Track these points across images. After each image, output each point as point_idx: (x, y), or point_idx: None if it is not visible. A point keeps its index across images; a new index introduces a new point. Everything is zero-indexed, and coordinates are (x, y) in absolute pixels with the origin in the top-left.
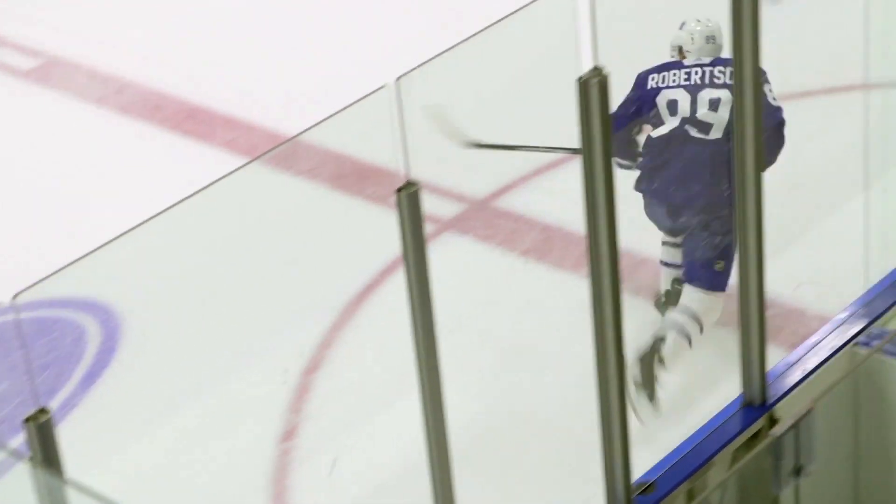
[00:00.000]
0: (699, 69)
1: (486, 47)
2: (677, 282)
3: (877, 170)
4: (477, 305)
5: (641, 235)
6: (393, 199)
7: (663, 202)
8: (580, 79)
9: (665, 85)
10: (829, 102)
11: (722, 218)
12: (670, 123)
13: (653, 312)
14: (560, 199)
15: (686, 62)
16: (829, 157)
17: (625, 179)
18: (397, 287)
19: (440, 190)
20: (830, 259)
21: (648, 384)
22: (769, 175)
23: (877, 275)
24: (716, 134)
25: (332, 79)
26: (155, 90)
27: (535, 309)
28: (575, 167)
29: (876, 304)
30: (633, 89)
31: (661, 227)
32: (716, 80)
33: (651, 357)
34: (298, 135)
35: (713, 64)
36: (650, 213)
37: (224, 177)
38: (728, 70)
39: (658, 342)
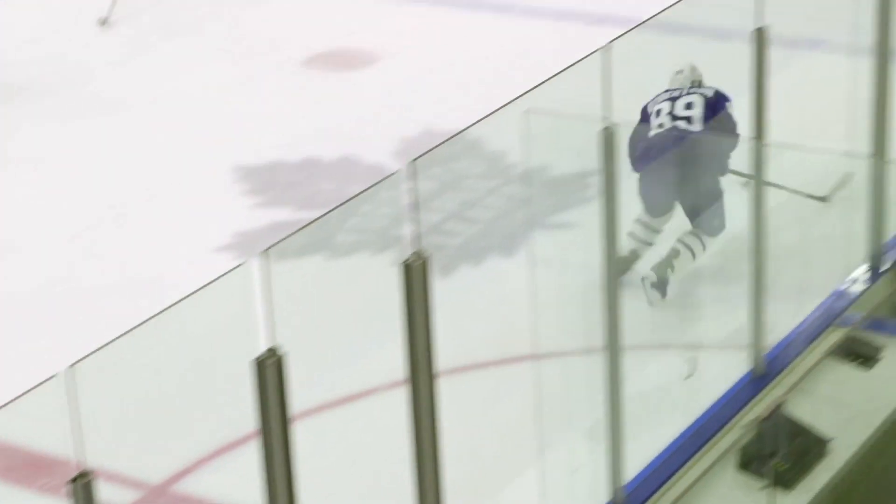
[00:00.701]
0: (679, 89)
1: (162, 331)
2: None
3: (549, 439)
4: None
5: None
6: (67, 489)
7: (659, 178)
8: (256, 360)
9: (655, 101)
10: (502, 373)
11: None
12: (656, 122)
13: None
14: (241, 481)
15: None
16: (502, 427)
17: None
18: None
19: (117, 477)
20: None
21: (662, 285)
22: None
23: None
24: (696, 125)
25: None
26: None
27: None
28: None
29: None
30: (639, 121)
31: (648, 204)
32: (691, 92)
33: (666, 265)
34: None
35: (691, 85)
36: (644, 190)
37: None
38: (707, 89)
39: (673, 254)
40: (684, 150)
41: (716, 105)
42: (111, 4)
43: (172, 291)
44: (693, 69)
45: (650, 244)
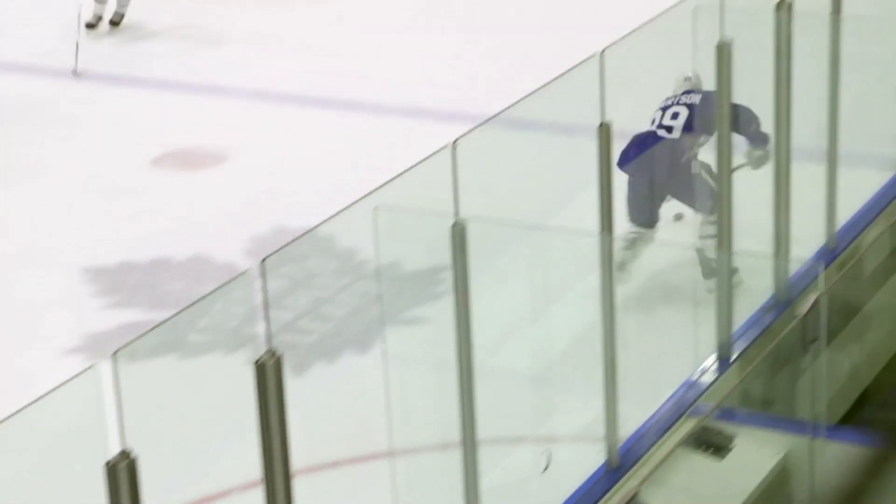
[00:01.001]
0: (674, 97)
1: (10, 436)
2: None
3: None
4: None
5: None
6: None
7: (645, 174)
8: (108, 463)
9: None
10: (358, 471)
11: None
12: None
13: None
14: None
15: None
16: None
17: None
18: None
19: None
20: None
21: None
22: None
23: None
24: (675, 134)
25: None
26: None
27: None
28: None
29: None
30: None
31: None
32: (681, 101)
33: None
34: None
35: (686, 92)
36: (631, 184)
37: None
38: (696, 95)
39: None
40: (661, 158)
41: (706, 102)
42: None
43: (21, 395)
44: (697, 76)
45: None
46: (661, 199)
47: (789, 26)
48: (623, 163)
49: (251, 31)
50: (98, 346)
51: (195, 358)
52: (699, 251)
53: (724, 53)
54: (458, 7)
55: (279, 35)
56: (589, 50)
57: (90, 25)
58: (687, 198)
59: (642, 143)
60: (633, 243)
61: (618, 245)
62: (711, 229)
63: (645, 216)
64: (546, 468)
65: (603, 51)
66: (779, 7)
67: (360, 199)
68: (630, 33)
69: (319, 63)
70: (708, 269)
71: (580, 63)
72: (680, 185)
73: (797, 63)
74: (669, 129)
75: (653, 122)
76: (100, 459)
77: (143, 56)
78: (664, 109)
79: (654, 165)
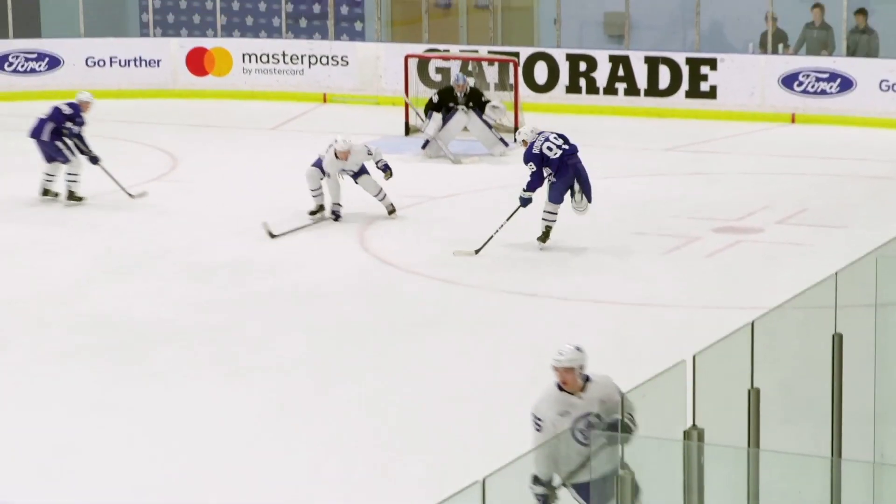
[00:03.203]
0: (546, 133)
1: None
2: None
3: None
4: None
5: None
6: None
7: (564, 184)
8: None
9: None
10: None
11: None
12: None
13: None
14: None
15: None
16: None
17: None
18: None
19: None
20: None
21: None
22: None
23: None
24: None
25: None
26: None
27: None
28: None
29: None
30: (534, 161)
31: (552, 197)
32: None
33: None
34: None
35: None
36: (554, 189)
37: None
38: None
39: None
40: (574, 163)
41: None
42: None
43: None
44: (534, 129)
45: (554, 222)
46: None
47: (700, 457)
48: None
49: None
50: None
51: None
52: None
53: (625, 484)
54: None
55: None
56: (466, 479)
57: None
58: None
59: (561, 163)
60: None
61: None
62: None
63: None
64: None
65: (484, 480)
66: (687, 435)
67: None
68: (516, 459)
69: None
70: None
71: None
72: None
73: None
74: (559, 146)
75: (548, 149)
76: None
77: None
78: (548, 139)
79: (568, 171)
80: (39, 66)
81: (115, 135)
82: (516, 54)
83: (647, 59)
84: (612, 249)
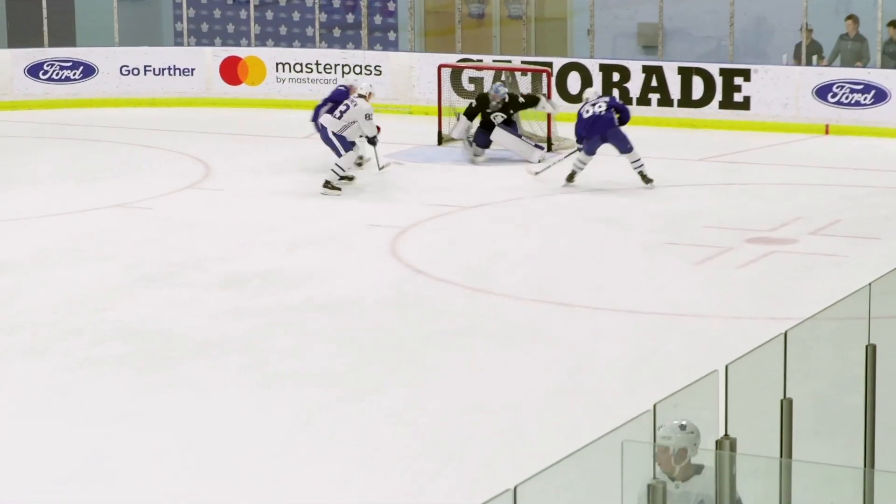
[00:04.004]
0: (593, 101)
1: None
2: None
3: None
4: None
5: None
6: None
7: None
8: None
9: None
10: None
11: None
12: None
13: None
14: None
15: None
16: None
17: None
18: None
19: None
20: None
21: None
22: None
23: None
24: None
25: None
26: None
27: None
28: None
29: None
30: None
31: (586, 148)
32: (595, 102)
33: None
34: None
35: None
36: (586, 143)
37: None
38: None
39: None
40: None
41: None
42: None
43: None
44: (596, 93)
45: (583, 169)
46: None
47: (732, 467)
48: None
49: None
50: None
51: None
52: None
53: (656, 493)
54: None
55: None
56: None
57: None
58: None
59: (591, 123)
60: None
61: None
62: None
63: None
64: None
65: (515, 489)
66: (720, 444)
67: None
68: (546, 469)
69: None
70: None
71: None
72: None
73: None
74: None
75: (586, 111)
76: None
77: None
78: (592, 104)
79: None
80: (74, 74)
81: (148, 143)
82: (549, 64)
83: (681, 70)
84: (645, 260)
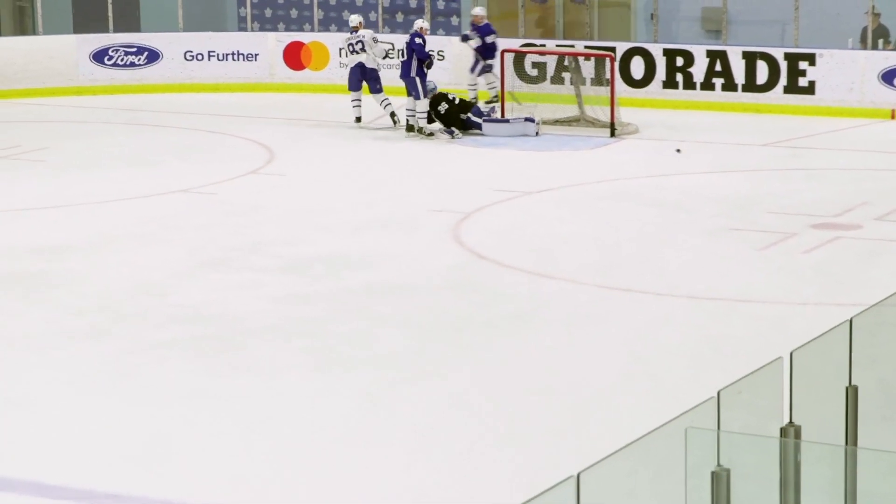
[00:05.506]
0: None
1: None
2: None
3: None
4: None
5: None
6: None
7: None
8: None
9: None
10: None
11: None
12: None
13: None
14: None
15: None
16: None
17: None
18: None
19: None
20: None
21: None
22: None
23: None
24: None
25: None
26: None
27: None
28: None
29: None
30: None
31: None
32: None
33: None
34: None
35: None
36: None
37: None
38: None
39: None
40: None
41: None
42: None
43: None
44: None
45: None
46: None
47: (797, 455)
48: None
49: None
50: None
51: None
52: None
53: (720, 481)
54: None
55: None
56: (557, 475)
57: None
58: None
59: None
60: None
61: None
62: None
63: None
64: None
65: (578, 475)
66: (784, 432)
67: None
68: (610, 455)
69: None
70: None
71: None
72: None
73: (806, 497)
74: None
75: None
76: None
77: None
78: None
79: None
80: (139, 59)
81: (212, 128)
82: (613, 49)
83: (745, 55)
84: (708, 245)
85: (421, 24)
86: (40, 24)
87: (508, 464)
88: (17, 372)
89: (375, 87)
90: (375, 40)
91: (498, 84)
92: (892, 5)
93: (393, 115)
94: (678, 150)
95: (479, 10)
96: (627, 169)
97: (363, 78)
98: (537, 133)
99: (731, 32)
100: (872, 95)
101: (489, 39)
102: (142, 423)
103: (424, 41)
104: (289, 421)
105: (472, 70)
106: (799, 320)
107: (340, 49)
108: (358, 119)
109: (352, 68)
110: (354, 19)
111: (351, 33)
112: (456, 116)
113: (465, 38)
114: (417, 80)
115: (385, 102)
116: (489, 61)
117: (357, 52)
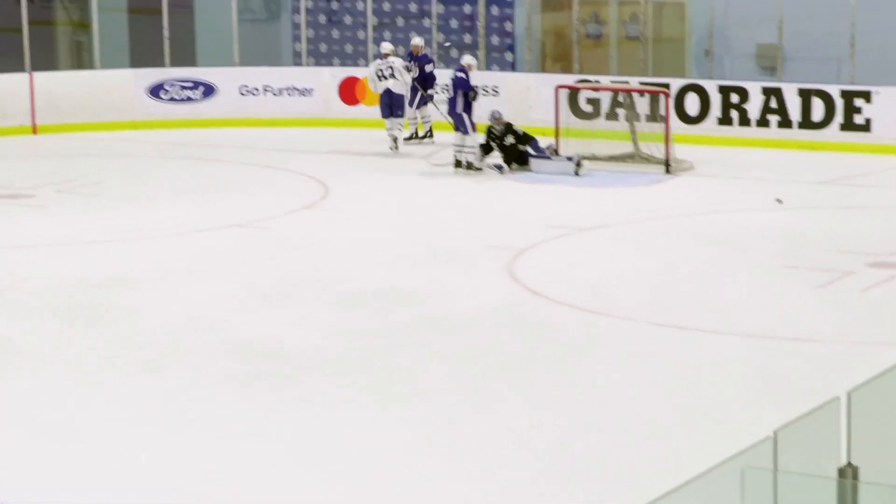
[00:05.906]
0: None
1: None
2: None
3: None
4: None
5: None
6: None
7: None
8: None
9: None
10: None
11: None
12: None
13: None
14: None
15: None
16: None
17: None
18: None
19: None
20: None
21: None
22: None
23: None
24: None
25: None
26: None
27: None
28: None
29: None
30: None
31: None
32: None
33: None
34: None
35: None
36: None
37: None
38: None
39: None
40: None
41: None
42: None
43: None
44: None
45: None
46: None
47: (855, 496)
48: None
49: None
50: None
51: None
52: None
53: None
54: None
55: None
56: None
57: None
58: None
59: None
60: None
61: None
62: None
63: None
64: None
65: None
66: (842, 473)
67: None
68: (666, 494)
69: None
70: None
71: None
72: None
73: None
74: None
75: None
76: None
77: None
78: None
79: None
80: (194, 94)
81: (267, 163)
82: (667, 85)
83: (801, 92)
84: (764, 283)
85: (468, 60)
86: (97, 59)
87: (567, 501)
88: (74, 406)
89: (397, 113)
90: (408, 69)
91: (432, 118)
92: None
93: (395, 140)
94: (779, 201)
95: (417, 41)
96: (682, 206)
97: (391, 103)
98: (576, 173)
99: (787, 69)
100: None
101: (428, 69)
102: (196, 459)
103: (468, 76)
104: (344, 457)
105: (411, 104)
106: (856, 359)
107: (367, 77)
108: (397, 141)
109: (381, 95)
110: (387, 46)
111: (381, 58)
112: (518, 150)
113: (408, 70)
114: (464, 115)
115: (398, 127)
116: (430, 91)
117: (386, 78)
